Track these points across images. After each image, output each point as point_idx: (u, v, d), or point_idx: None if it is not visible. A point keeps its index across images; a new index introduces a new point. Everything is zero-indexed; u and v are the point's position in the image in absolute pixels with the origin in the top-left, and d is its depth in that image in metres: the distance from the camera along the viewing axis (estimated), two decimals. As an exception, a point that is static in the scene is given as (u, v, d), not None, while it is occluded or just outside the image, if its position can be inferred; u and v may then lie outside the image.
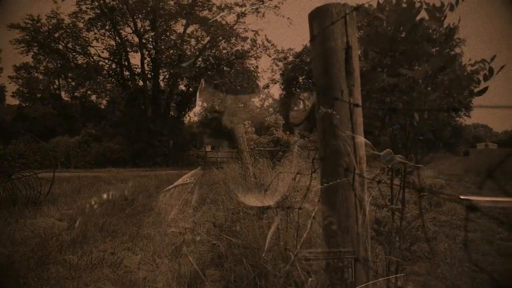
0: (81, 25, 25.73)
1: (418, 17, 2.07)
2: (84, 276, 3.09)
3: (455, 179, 11.83)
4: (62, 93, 37.25)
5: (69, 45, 26.40)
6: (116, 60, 27.99)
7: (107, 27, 26.39)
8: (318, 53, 1.29)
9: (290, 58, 38.43)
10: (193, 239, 4.20)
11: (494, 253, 3.58)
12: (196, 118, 40.01)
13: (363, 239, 1.25)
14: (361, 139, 1.28)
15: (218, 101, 30.30)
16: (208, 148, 25.23)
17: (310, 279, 1.22)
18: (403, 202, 2.07)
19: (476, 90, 1.99)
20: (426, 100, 1.77)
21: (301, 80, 40.28)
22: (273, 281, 2.11)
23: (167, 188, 6.65)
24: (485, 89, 1.97)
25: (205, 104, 31.11)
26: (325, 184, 1.27)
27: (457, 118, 41.74)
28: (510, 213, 5.63)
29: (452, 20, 2.07)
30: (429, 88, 2.00)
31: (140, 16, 26.09)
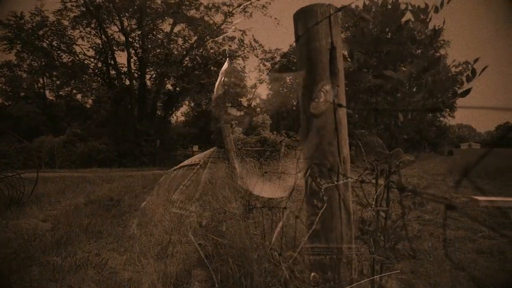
0: (66, 23, 25.37)
1: (404, 19, 2.10)
2: (68, 277, 3.05)
3: (440, 178, 12.02)
4: (47, 92, 36.73)
5: (54, 43, 25.98)
6: (102, 59, 27.67)
7: (92, 25, 26.06)
8: (303, 53, 1.30)
9: (278, 58, 38.54)
10: (179, 239, 4.18)
11: (476, 251, 3.64)
12: (183, 118, 39.81)
13: (347, 238, 1.26)
14: (345, 139, 1.29)
15: (205, 101, 30.22)
16: (195, 148, 25.13)
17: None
18: (388, 201, 2.10)
19: (459, 91, 2.03)
20: (410, 101, 1.79)
21: (288, 80, 40.47)
22: (259, 280, 2.11)
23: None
24: (468, 90, 2.01)
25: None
26: (309, 184, 1.27)
27: (442, 119, 42.47)
28: (491, 211, 5.74)
29: (438, 22, 2.11)
30: (414, 89, 2.03)
31: (126, 14, 25.83)
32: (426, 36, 2.01)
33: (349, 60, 2.08)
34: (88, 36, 26.57)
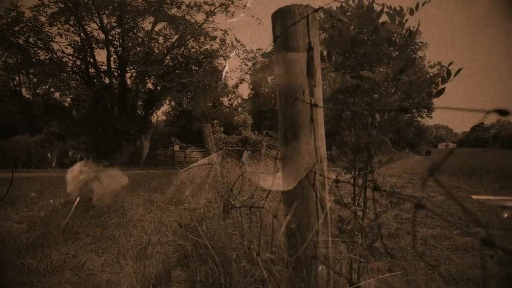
0: (43, 19, 24.70)
1: (382, 21, 2.14)
2: (44, 280, 2.98)
3: (418, 177, 12.27)
4: (23, 90, 35.75)
5: (31, 39, 25.25)
6: (81, 57, 27.11)
7: (71, 22, 25.48)
8: (281, 54, 1.30)
9: (259, 58, 38.63)
10: (159, 239, 4.14)
11: (451, 248, 3.73)
12: (164, 117, 39.45)
13: (323, 237, 1.27)
14: (322, 138, 1.30)
15: (186, 100, 30.02)
16: (176, 148, 24.95)
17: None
18: (365, 201, 2.13)
19: (435, 92, 2.08)
20: (386, 102, 1.82)
21: (269, 80, 40.62)
22: (238, 280, 2.11)
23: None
24: (442, 91, 2.06)
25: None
26: (286, 184, 1.28)
27: (420, 119, 43.40)
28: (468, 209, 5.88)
29: (417, 24, 2.15)
30: (391, 90, 2.07)
31: (106, 12, 25.40)
32: (401, 38, 2.05)
33: (327, 61, 2.11)
34: (67, 33, 25.96)
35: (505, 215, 5.24)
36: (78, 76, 27.89)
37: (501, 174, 12.02)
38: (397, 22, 2.02)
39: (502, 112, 0.49)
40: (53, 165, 21.69)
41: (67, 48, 26.85)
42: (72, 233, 4.43)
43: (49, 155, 22.92)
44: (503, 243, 3.81)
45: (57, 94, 35.40)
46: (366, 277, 2.54)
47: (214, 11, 26.86)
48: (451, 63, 2.01)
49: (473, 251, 3.62)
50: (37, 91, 35.28)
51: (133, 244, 3.99)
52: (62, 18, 24.85)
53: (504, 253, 0.45)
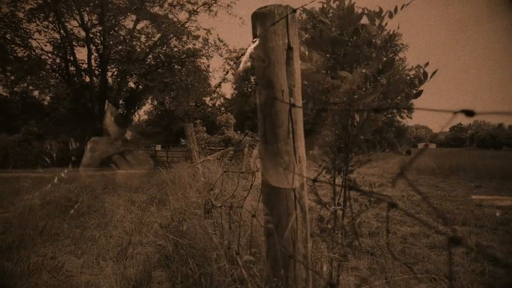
0: (21, 15, 24.01)
1: (363, 22, 2.17)
2: (20, 283, 2.92)
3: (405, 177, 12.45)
4: (0, 88, 34.80)
5: (7, 36, 24.56)
6: (60, 55, 26.48)
7: (50, 19, 24.84)
8: (260, 54, 1.31)
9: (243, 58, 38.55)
10: (140, 240, 4.10)
11: (429, 246, 3.81)
12: (146, 116, 39.02)
13: (302, 236, 1.28)
14: (301, 138, 1.31)
15: (168, 99, 29.75)
16: (158, 147, 24.67)
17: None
18: (345, 200, 2.16)
19: (413, 93, 2.12)
20: (364, 102, 1.85)
21: (253, 80, 40.64)
22: (218, 280, 2.11)
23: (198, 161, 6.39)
24: (420, 93, 2.10)
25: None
26: (265, 184, 1.29)
27: (400, 120, 44.13)
28: (445, 208, 6.02)
29: (397, 26, 2.19)
30: (370, 90, 2.10)
31: (87, 9, 24.87)
32: (381, 40, 2.08)
33: (308, 61, 2.12)
34: (46, 30, 25.27)
35: (497, 214, 5.38)
36: (57, 74, 27.26)
37: (477, 173, 12.35)
38: (376, 24, 2.05)
39: (468, 113, 0.51)
40: (49, 162, 21.22)
41: (46, 45, 26.05)
42: (51, 234, 4.35)
43: (48, 146, 22.39)
44: (479, 240, 3.91)
45: (36, 93, 34.52)
46: (346, 276, 2.57)
47: (197, 10, 26.69)
48: (427, 64, 2.06)
49: (468, 248, 3.70)
50: (15, 89, 34.34)
51: (114, 245, 3.94)
52: (41, 15, 24.19)
53: (470, 250, 0.46)
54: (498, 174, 11.56)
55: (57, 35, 25.82)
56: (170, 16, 26.04)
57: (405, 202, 6.73)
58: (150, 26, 26.58)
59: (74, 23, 25.78)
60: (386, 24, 2.07)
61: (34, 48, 25.34)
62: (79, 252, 3.74)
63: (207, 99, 33.60)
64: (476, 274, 2.94)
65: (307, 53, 2.14)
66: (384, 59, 2.03)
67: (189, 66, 27.31)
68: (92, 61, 26.44)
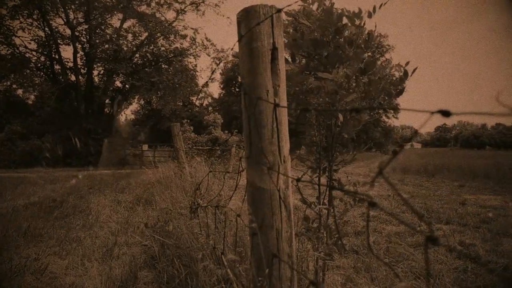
0: (4, 11, 23.52)
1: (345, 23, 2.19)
2: (2, 285, 2.86)
3: (383, 176, 12.61)
4: (-18, 86, 34.08)
5: (-11, 33, 24.11)
6: (45, 53, 26.07)
7: (34, 16, 24.42)
8: (245, 53, 1.31)
9: (230, 58, 38.59)
10: (126, 240, 4.07)
11: (414, 245, 3.86)
12: (133, 116, 38.69)
13: (286, 236, 1.29)
14: (286, 138, 1.32)
15: (156, 99, 29.55)
16: (145, 147, 24.46)
17: (283, 265, 1.23)
18: (330, 199, 2.17)
19: (395, 92, 2.15)
20: (346, 102, 1.87)
21: (240, 79, 40.72)
22: (204, 280, 2.10)
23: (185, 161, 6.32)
24: (401, 91, 2.13)
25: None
26: (250, 183, 1.29)
27: (386, 120, 44.64)
28: (430, 207, 6.11)
29: (380, 27, 2.21)
30: (351, 90, 2.12)
31: (72, 7, 24.55)
32: (362, 40, 2.10)
33: (291, 62, 2.14)
34: (30, 27, 24.80)
35: (490, 214, 5.47)
36: (42, 73, 26.86)
37: (461, 172, 12.56)
38: (356, 24, 2.08)
39: (445, 113, 0.52)
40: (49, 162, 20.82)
41: (30, 43, 25.59)
42: (35, 235, 4.28)
43: (47, 145, 21.97)
44: (462, 239, 3.98)
45: (20, 91, 33.89)
46: (332, 274, 2.59)
47: (185, 9, 26.59)
48: (407, 63, 2.09)
49: (434, 247, 3.76)
50: (-2, 87, 33.71)
51: (99, 245, 3.90)
52: (25, 12, 23.77)
53: (447, 249, 0.48)
54: (481, 174, 11.79)
55: (41, 33, 25.42)
56: (158, 15, 25.91)
57: (391, 201, 6.80)
58: (137, 25, 26.38)
59: (59, 20, 25.42)
60: (364, 23, 2.09)
61: (18, 45, 24.89)
62: (64, 253, 3.69)
63: (195, 98, 33.48)
64: (459, 272, 2.99)
65: (289, 55, 2.16)
66: (366, 59, 2.05)
67: (176, 66, 27.19)
68: (78, 59, 26.13)
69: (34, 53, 25.84)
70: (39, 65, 26.39)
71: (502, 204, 6.55)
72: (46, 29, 24.98)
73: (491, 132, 76.21)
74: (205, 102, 45.32)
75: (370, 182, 0.57)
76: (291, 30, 2.17)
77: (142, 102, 36.19)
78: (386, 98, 2.03)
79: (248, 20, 1.32)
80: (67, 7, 24.29)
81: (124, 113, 30.93)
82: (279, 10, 1.32)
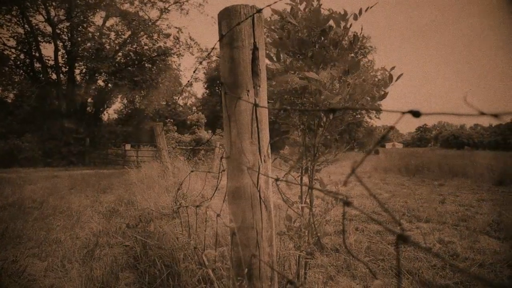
0: (-20, 7, 22.98)
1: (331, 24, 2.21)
2: (-23, 289, 2.80)
3: (366, 175, 12.79)
4: (-42, 84, 33.11)
5: (-35, 29, 23.44)
6: (25, 50, 25.52)
7: (13, 13, 23.87)
8: (226, 53, 1.31)
9: (214, 58, 38.51)
10: (108, 241, 4.02)
11: (394, 243, 3.91)
12: (115, 115, 38.19)
13: (267, 235, 1.30)
14: (266, 138, 1.32)
15: (139, 98, 29.25)
16: (128, 147, 24.16)
17: (263, 265, 1.23)
18: (312, 199, 2.19)
19: (378, 95, 2.18)
20: (330, 103, 1.89)
21: (221, 79, 40.73)
22: (186, 280, 2.10)
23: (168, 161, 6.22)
24: (385, 95, 2.16)
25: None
26: (231, 183, 1.29)
27: (369, 120, 45.23)
28: (410, 206, 6.22)
29: (367, 29, 2.24)
30: (336, 91, 2.14)
31: (53, 3, 24.09)
32: (347, 42, 2.12)
33: (276, 61, 2.15)
34: (8, 24, 24.20)
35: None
36: (22, 71, 26.26)
37: (441, 171, 12.82)
38: (342, 26, 2.10)
39: (415, 113, 0.53)
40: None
41: (9, 40, 25.03)
42: (13, 237, 4.19)
43: (27, 144, 21.37)
44: (441, 237, 4.06)
45: (-2, 90, 33.12)
46: (313, 273, 2.61)
47: (168, 8, 26.39)
48: (393, 68, 2.12)
49: (414, 245, 3.82)
50: (-25, 85, 32.83)
51: (80, 246, 3.84)
52: (3, 8, 23.19)
53: (417, 248, 0.49)
54: (460, 173, 12.05)
55: (21, 30, 24.87)
56: (141, 13, 25.63)
57: (372, 200, 6.89)
58: (120, 23, 26.04)
59: (40, 17, 24.92)
60: (350, 26, 2.12)
61: (-4, 42, 24.27)
62: (43, 255, 3.62)
63: (178, 98, 33.26)
64: (438, 269, 3.05)
65: (273, 54, 2.17)
66: (349, 59, 2.08)
67: (160, 65, 26.98)
68: (59, 57, 25.67)
69: (13, 50, 25.26)
70: (19, 62, 25.81)
71: (479, 202, 6.71)
72: (26, 26, 24.45)
73: (470, 133, 78.02)
74: (189, 102, 45.10)
75: (343, 181, 0.58)
76: (277, 28, 2.18)
77: (125, 101, 35.77)
78: (369, 99, 2.06)
79: (229, 20, 1.32)
80: (47, 4, 23.82)
81: (107, 112, 30.48)
82: (259, 10, 1.33)
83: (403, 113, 0.55)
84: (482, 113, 0.46)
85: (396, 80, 2.10)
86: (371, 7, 2.04)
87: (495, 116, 0.46)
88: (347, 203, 0.66)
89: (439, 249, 3.66)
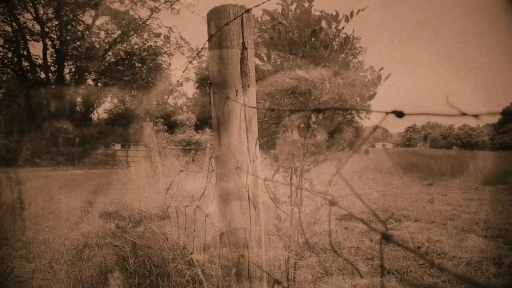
0: (-34, 4, 22.64)
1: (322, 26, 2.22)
2: (-38, 292, 2.76)
3: (356, 175, 12.88)
4: None
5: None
6: (12, 48, 25.19)
7: (0, 10, 23.55)
8: (215, 53, 1.31)
9: (205, 57, 38.38)
10: (97, 242, 3.98)
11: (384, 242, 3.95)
12: (105, 115, 37.85)
13: (255, 235, 1.30)
14: (255, 138, 1.33)
15: (129, 98, 29.06)
16: (118, 147, 23.96)
17: (252, 265, 1.23)
18: (301, 199, 2.20)
19: (367, 95, 2.20)
20: (320, 102, 1.90)
21: (210, 79, 40.66)
22: (175, 280, 2.09)
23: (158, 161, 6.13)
24: (373, 95, 2.18)
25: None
26: (219, 183, 1.30)
27: (359, 120, 45.50)
28: (400, 205, 6.27)
29: (358, 30, 2.26)
30: (325, 91, 2.15)
31: (42, 1, 23.84)
32: (338, 43, 2.14)
33: (266, 61, 2.15)
34: (-5, 22, 24.00)
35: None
36: (9, 69, 25.92)
37: (429, 171, 12.96)
38: (333, 27, 2.11)
39: (398, 114, 0.54)
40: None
41: (-4, 38, 24.72)
42: (0, 238, 4.14)
43: (15, 144, 21.07)
44: (430, 235, 4.10)
45: (-15, 89, 32.63)
46: (302, 273, 2.62)
47: (159, 7, 26.27)
48: (381, 69, 2.14)
49: (397, 244, 3.85)
50: (-38, 84, 32.31)
51: (69, 247, 3.80)
52: (-10, 6, 22.91)
53: (402, 247, 0.50)
54: (448, 172, 12.20)
55: (8, 28, 24.53)
56: (131, 12, 25.46)
57: (337, 201, 6.93)
58: (110, 22, 25.83)
59: (28, 16, 24.58)
60: (343, 27, 2.13)
61: (-18, 41, 23.92)
62: (31, 256, 3.57)
63: (168, 97, 33.12)
64: (426, 268, 3.09)
65: (264, 54, 2.17)
66: (340, 60, 2.09)
67: (150, 64, 26.82)
68: (48, 56, 25.40)
69: (0, 48, 24.91)
70: (6, 61, 25.46)
71: (467, 201, 6.79)
72: (14, 24, 24.12)
73: (458, 133, 78.97)
74: (180, 102, 44.89)
75: (328, 181, 0.59)
76: (267, 28, 2.18)
77: (115, 101, 35.49)
78: (359, 100, 2.08)
79: (217, 20, 1.32)
80: (36, 2, 23.54)
81: (97, 112, 30.24)
82: (248, 10, 1.33)
83: (387, 113, 0.55)
84: (463, 114, 0.47)
85: (384, 80, 2.12)
86: (362, 10, 2.06)
87: (476, 116, 0.47)
88: (333, 203, 0.67)
89: (427, 247, 3.70)
